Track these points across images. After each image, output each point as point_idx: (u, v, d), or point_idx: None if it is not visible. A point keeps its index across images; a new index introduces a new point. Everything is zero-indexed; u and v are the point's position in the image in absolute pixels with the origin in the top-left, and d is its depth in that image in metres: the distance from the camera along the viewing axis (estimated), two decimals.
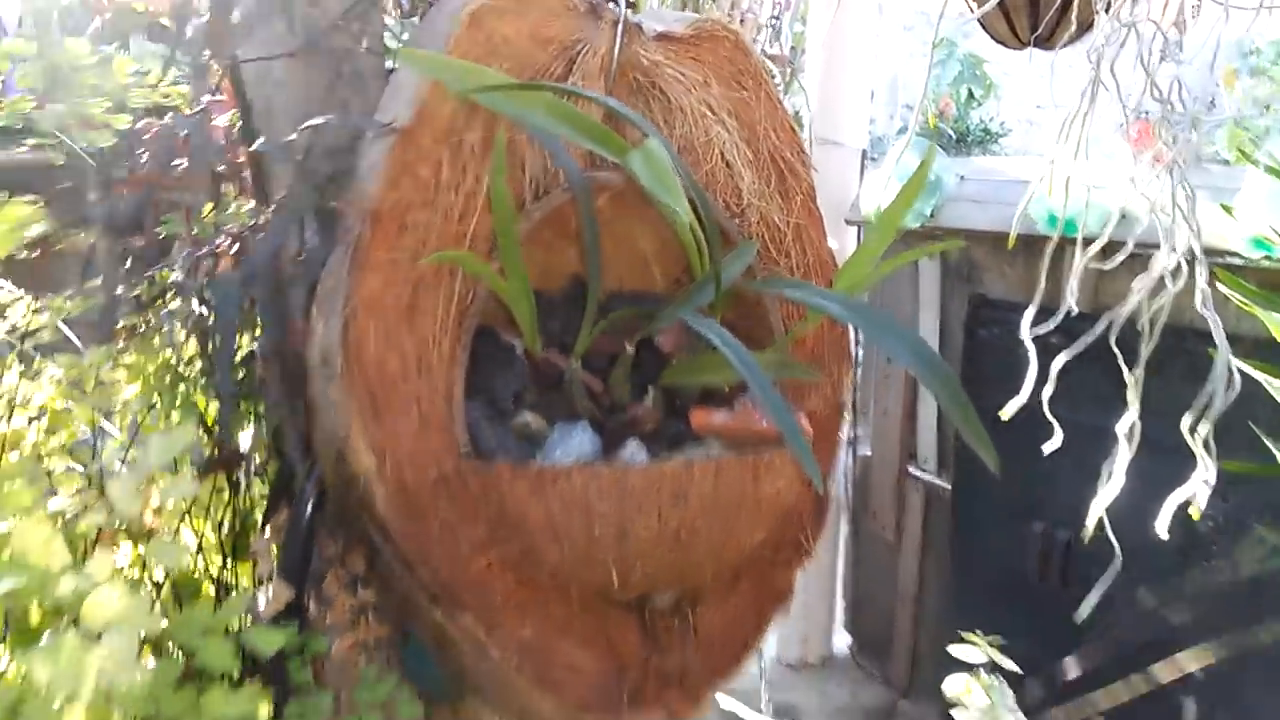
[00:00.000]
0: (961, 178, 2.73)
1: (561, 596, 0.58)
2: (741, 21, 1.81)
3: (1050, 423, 1.36)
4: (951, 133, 3.06)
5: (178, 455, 0.53)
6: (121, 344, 0.68)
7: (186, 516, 0.60)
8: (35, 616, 0.53)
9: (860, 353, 3.23)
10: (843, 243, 2.70)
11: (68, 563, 0.51)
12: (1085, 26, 1.44)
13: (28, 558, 0.51)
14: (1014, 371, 1.50)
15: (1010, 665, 1.26)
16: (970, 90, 3.56)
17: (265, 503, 0.65)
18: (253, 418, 0.63)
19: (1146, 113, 1.40)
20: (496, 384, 0.57)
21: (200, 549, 0.64)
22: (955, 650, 1.30)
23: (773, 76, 0.78)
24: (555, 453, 0.55)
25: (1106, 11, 1.29)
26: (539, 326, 0.57)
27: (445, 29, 0.53)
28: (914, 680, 2.55)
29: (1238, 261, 1.77)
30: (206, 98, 0.66)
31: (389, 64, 0.66)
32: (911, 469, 2.87)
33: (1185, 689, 1.39)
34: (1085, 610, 1.52)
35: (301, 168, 0.54)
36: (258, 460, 0.65)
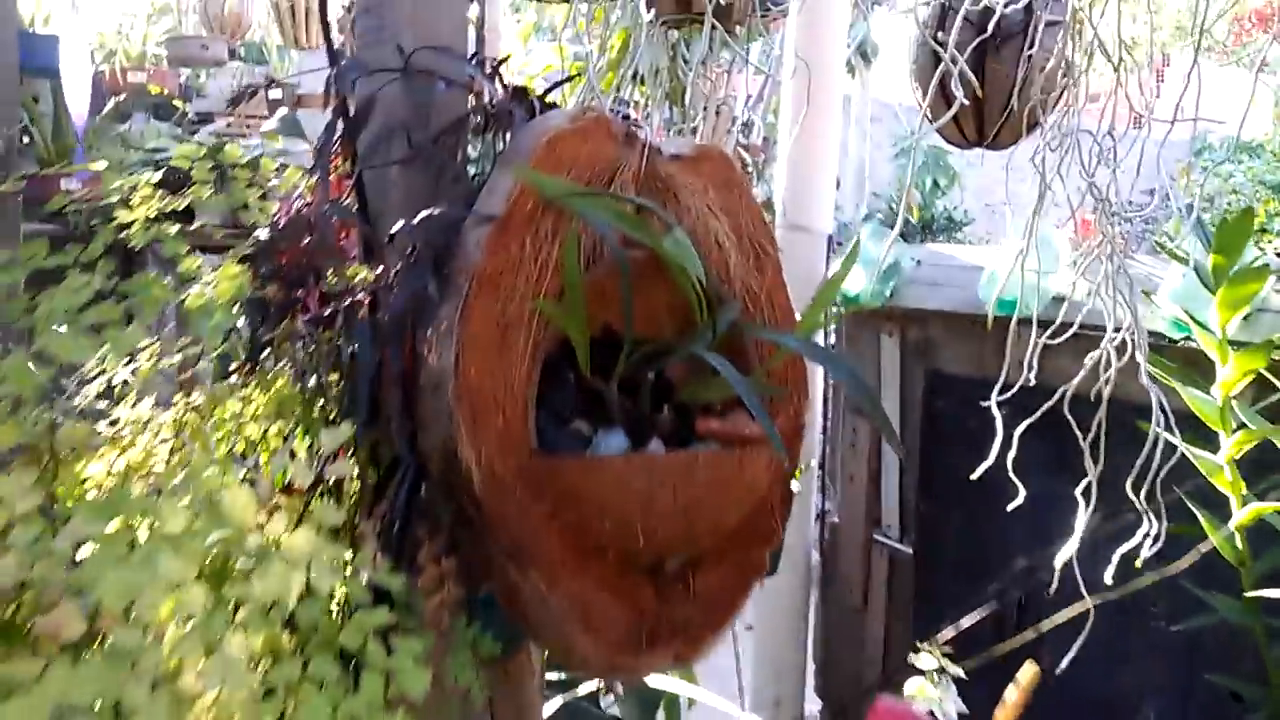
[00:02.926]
0: (918, 262, 3.04)
1: (601, 560, 0.79)
2: (718, 113, 1.99)
3: (1002, 489, 1.54)
4: (915, 221, 3.29)
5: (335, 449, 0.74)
6: (254, 379, 0.90)
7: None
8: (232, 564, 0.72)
9: (829, 426, 3.47)
10: None
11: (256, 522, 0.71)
12: (1030, 127, 1.57)
13: (233, 515, 0.70)
14: (968, 438, 1.70)
15: (958, 671, 1.46)
16: (935, 180, 3.84)
17: (371, 495, 0.86)
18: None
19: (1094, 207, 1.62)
20: (557, 400, 0.79)
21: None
22: (913, 659, 1.50)
23: (746, 166, 1.01)
24: (600, 448, 0.77)
25: (1049, 121, 1.52)
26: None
27: (528, 149, 0.77)
28: None
29: (1163, 343, 2.04)
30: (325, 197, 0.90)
31: (470, 169, 0.90)
32: (876, 535, 3.09)
33: None
34: (1063, 665, 1.67)
35: (423, 243, 0.77)
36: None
